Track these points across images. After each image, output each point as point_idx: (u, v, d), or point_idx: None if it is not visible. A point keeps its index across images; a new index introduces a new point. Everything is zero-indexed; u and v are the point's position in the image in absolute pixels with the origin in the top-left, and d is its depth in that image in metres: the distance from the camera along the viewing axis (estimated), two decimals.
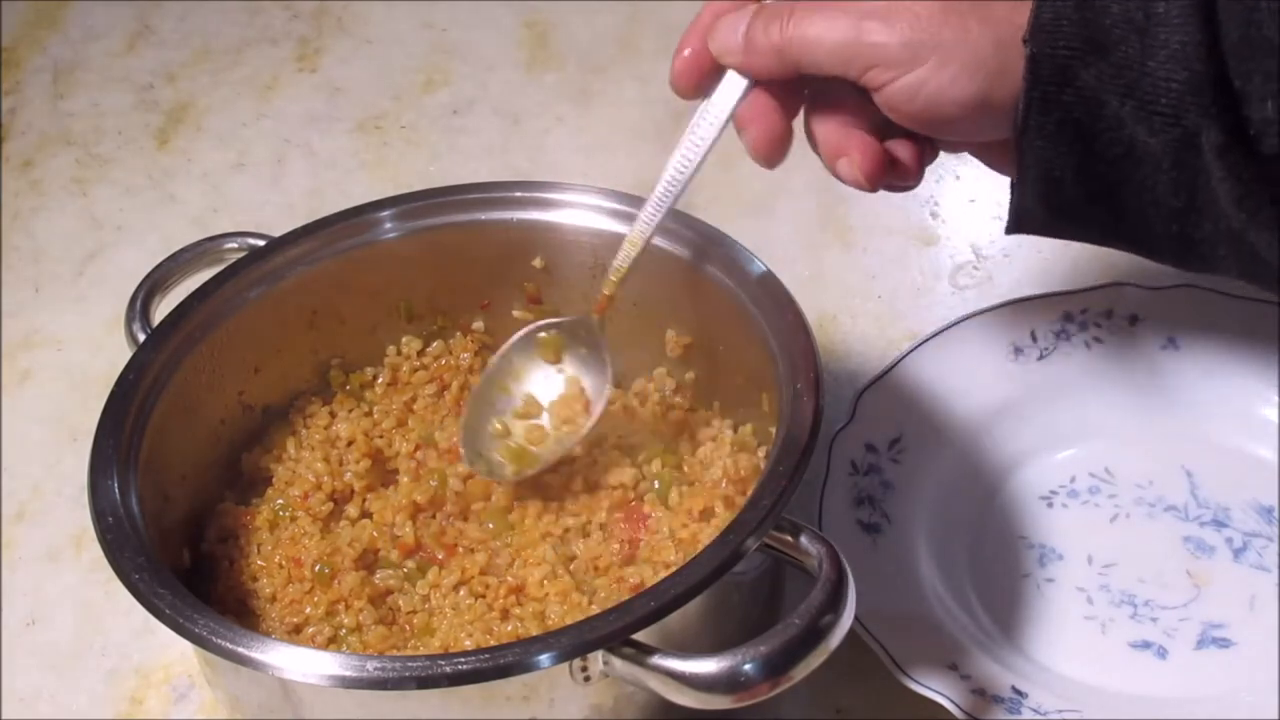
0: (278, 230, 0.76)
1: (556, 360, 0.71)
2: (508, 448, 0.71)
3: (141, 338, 0.72)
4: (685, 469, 0.72)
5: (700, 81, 0.64)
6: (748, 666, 0.54)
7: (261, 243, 0.75)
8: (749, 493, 0.63)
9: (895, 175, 0.64)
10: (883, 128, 0.63)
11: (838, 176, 0.64)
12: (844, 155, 0.63)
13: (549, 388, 0.71)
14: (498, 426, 0.72)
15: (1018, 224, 0.63)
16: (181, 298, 0.73)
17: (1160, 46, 0.55)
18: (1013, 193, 0.62)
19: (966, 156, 0.64)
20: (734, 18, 0.62)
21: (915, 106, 0.60)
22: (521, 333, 0.73)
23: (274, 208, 1.01)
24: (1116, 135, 0.58)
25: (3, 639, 0.76)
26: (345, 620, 0.67)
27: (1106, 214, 0.61)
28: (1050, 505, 0.76)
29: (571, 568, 0.68)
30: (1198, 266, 0.61)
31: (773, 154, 0.64)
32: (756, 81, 0.63)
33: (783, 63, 0.61)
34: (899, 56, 0.58)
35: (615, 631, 0.56)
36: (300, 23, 1.17)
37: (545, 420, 0.71)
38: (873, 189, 0.63)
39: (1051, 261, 0.88)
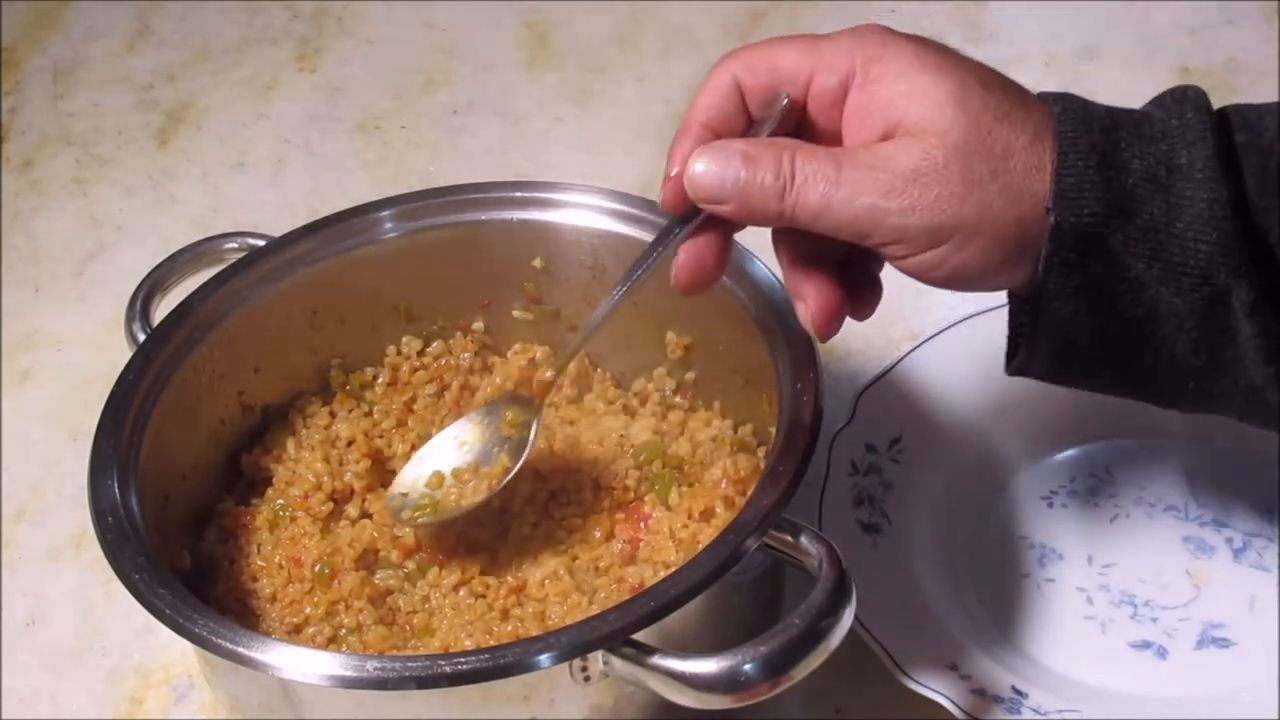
0: (278, 230, 0.76)
1: (509, 432, 0.69)
2: (430, 496, 0.69)
3: (141, 338, 0.72)
4: (685, 469, 0.72)
5: (690, 204, 0.60)
6: (748, 666, 0.54)
7: (261, 243, 0.75)
8: (749, 493, 0.63)
9: (854, 312, 0.62)
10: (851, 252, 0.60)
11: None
12: (799, 299, 0.61)
13: (486, 456, 0.69)
14: (434, 474, 0.70)
15: (1020, 371, 0.61)
16: (181, 298, 0.73)
17: (1186, 205, 0.54)
18: (1019, 341, 0.60)
19: None
20: (719, 161, 0.58)
21: (931, 277, 0.58)
22: (491, 400, 0.72)
23: (274, 208, 1.01)
24: (1139, 297, 0.56)
25: (3, 639, 0.76)
26: (345, 620, 0.67)
27: (1118, 371, 0.59)
28: (1050, 505, 0.76)
29: (572, 568, 0.68)
30: (1199, 411, 0.60)
31: (698, 288, 0.62)
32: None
33: (780, 221, 0.58)
34: (919, 238, 0.56)
35: (615, 631, 0.56)
36: (300, 23, 1.17)
37: (466, 485, 0.69)
38: (823, 340, 0.62)
39: None
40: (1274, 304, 0.55)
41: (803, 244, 0.60)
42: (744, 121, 0.60)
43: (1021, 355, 0.60)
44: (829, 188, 0.56)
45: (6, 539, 0.81)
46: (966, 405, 0.78)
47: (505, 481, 0.67)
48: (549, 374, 0.68)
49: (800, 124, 0.60)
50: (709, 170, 0.58)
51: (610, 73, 1.09)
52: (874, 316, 0.87)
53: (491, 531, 0.71)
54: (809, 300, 0.60)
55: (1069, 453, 0.78)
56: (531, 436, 0.67)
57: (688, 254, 0.61)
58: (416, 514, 0.68)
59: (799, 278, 0.61)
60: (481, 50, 1.13)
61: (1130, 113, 0.57)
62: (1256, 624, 0.70)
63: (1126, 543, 0.74)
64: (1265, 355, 0.55)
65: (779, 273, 0.69)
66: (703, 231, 0.60)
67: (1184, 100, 0.57)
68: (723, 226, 0.60)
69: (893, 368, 0.79)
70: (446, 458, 0.70)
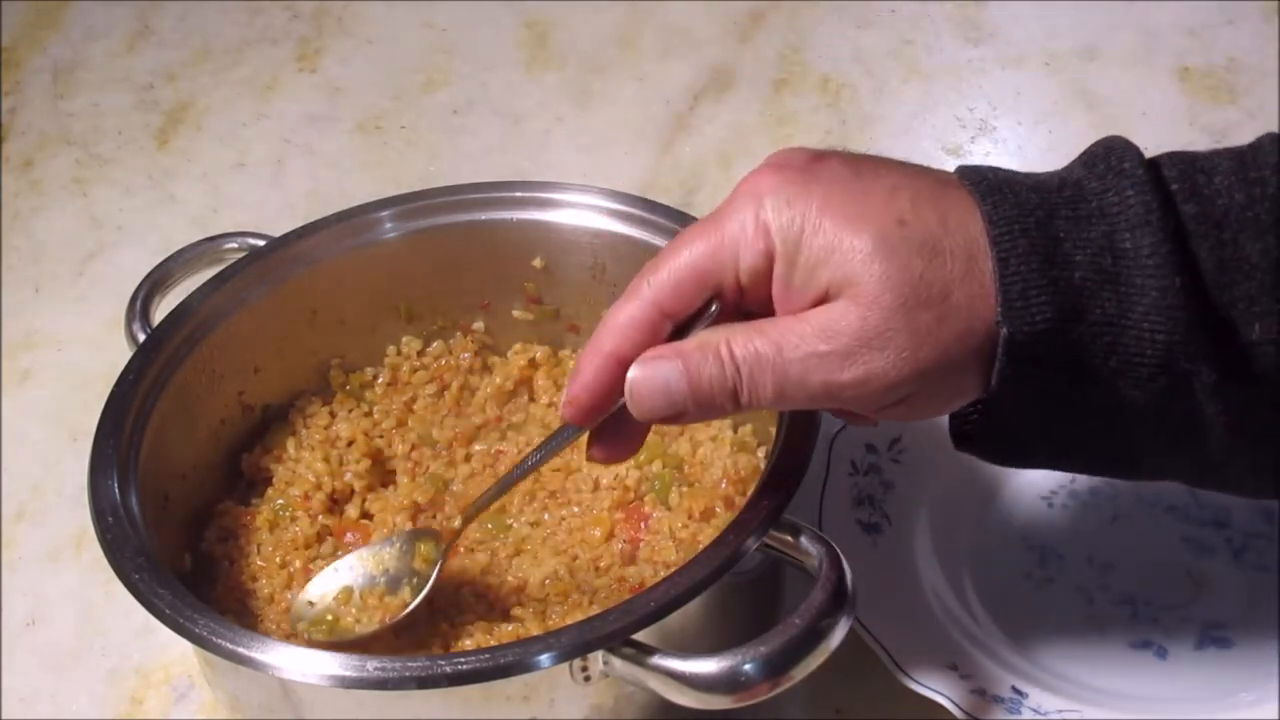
0: (278, 230, 0.76)
1: (420, 566, 0.67)
2: (331, 613, 0.66)
3: (141, 338, 0.72)
4: (685, 469, 0.72)
5: (594, 421, 0.59)
6: (748, 666, 0.54)
7: (261, 243, 0.75)
8: (749, 493, 0.63)
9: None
10: None
11: None
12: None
13: (394, 584, 0.67)
14: (345, 589, 0.67)
15: (967, 450, 0.60)
16: (181, 298, 0.73)
17: (1138, 296, 0.52)
18: (963, 429, 0.58)
19: None
20: (658, 372, 0.55)
21: (901, 419, 0.58)
22: (411, 531, 0.70)
23: (274, 208, 1.01)
24: (1094, 392, 0.54)
25: (3, 639, 0.76)
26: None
27: (1073, 459, 0.59)
28: (1050, 505, 0.76)
29: (572, 568, 0.68)
30: (1154, 480, 0.60)
31: (613, 463, 0.62)
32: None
33: (740, 412, 0.56)
34: (880, 400, 0.54)
35: (615, 631, 0.56)
36: (300, 23, 1.17)
37: (368, 609, 0.66)
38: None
39: None
40: (1236, 379, 0.53)
41: None
42: (661, 342, 0.57)
43: (973, 441, 0.58)
44: (776, 375, 0.54)
45: (6, 539, 0.81)
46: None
47: (400, 617, 0.65)
48: (457, 523, 0.67)
49: (738, 308, 0.57)
50: (651, 385, 0.56)
51: (610, 73, 1.09)
52: None
53: (492, 532, 0.71)
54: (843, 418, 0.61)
55: None
56: (431, 580, 0.65)
57: (607, 445, 0.60)
58: (312, 628, 0.65)
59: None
60: (481, 50, 1.13)
61: (1061, 188, 0.54)
62: (1256, 624, 0.70)
63: (1126, 543, 0.74)
64: (1229, 429, 0.54)
65: None
66: (616, 420, 0.59)
67: (1120, 172, 0.54)
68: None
69: None
70: (362, 576, 0.67)
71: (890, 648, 0.66)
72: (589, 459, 0.61)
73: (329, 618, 0.66)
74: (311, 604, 0.67)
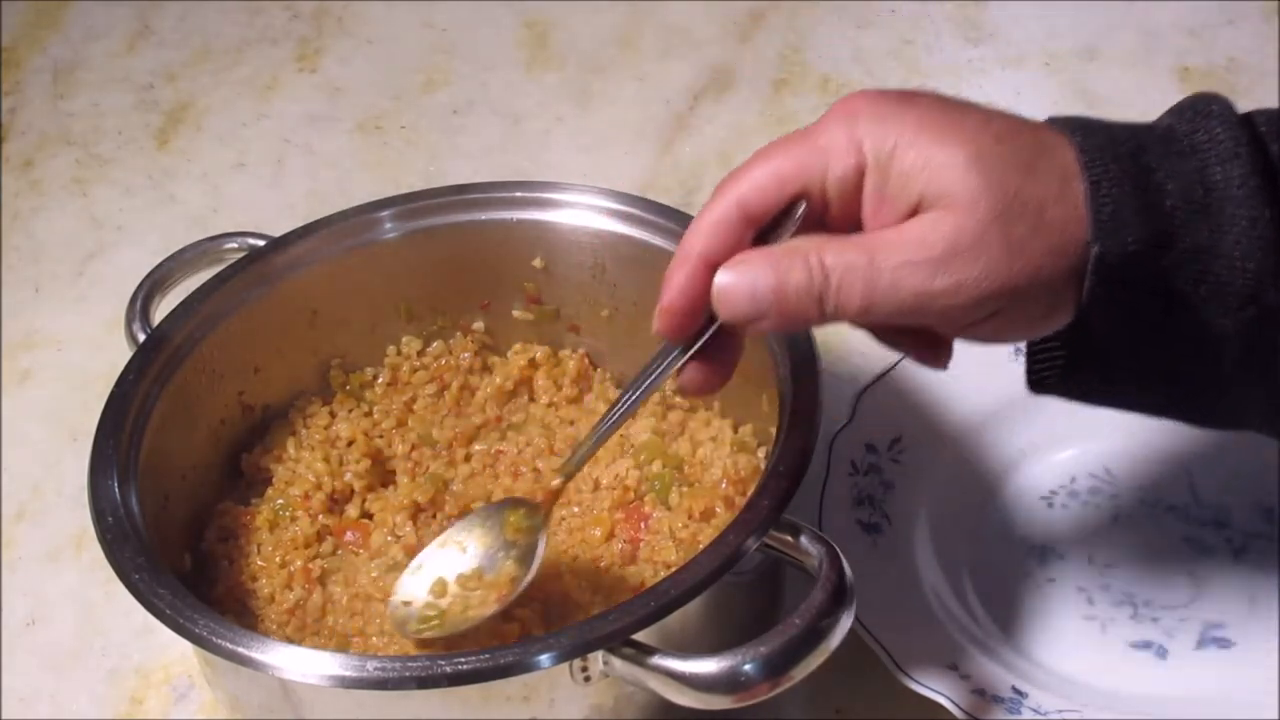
0: (278, 230, 0.76)
1: (513, 537, 0.65)
2: (435, 606, 0.64)
3: (141, 338, 0.72)
4: (685, 469, 0.72)
5: (687, 332, 0.58)
6: (748, 666, 0.54)
7: (261, 243, 0.75)
8: (749, 493, 0.63)
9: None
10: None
11: None
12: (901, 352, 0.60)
13: (490, 562, 0.65)
14: (438, 580, 0.65)
15: (1047, 391, 0.59)
16: (181, 298, 0.73)
17: (1229, 225, 0.53)
18: (1047, 368, 0.58)
19: None
20: (747, 276, 0.55)
21: (992, 341, 0.56)
22: (490, 504, 0.69)
23: (274, 208, 1.01)
24: (1183, 319, 0.55)
25: (3, 639, 0.76)
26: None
27: (1155, 392, 0.58)
28: (1050, 505, 0.76)
29: (572, 568, 0.68)
30: (1228, 429, 0.60)
31: (707, 395, 0.61)
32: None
33: (824, 323, 0.55)
34: (971, 313, 0.54)
35: (615, 631, 0.56)
36: (300, 23, 1.17)
37: (472, 593, 0.65)
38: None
39: None
40: None
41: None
42: (747, 246, 0.56)
43: (1052, 378, 0.58)
44: (867, 283, 0.53)
45: (6, 539, 0.81)
46: (966, 405, 0.78)
47: (517, 593, 0.63)
48: (556, 482, 0.65)
49: (820, 223, 0.56)
50: (738, 285, 0.55)
51: (610, 73, 1.09)
52: None
53: None
54: (918, 350, 0.59)
55: (1069, 453, 0.78)
56: (540, 546, 0.64)
57: (697, 371, 0.60)
58: (422, 627, 0.64)
59: (890, 342, 0.60)
60: (481, 50, 1.13)
61: (1151, 129, 0.55)
62: (1256, 624, 0.70)
63: (1126, 542, 0.74)
64: None
65: None
66: (710, 347, 0.59)
67: (1208, 114, 0.55)
68: (735, 336, 0.59)
69: (893, 368, 0.79)
70: (449, 563, 0.65)
71: (890, 648, 0.66)
72: (680, 391, 0.60)
73: (431, 614, 0.64)
74: (407, 604, 0.65)
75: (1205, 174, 0.53)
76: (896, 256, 0.53)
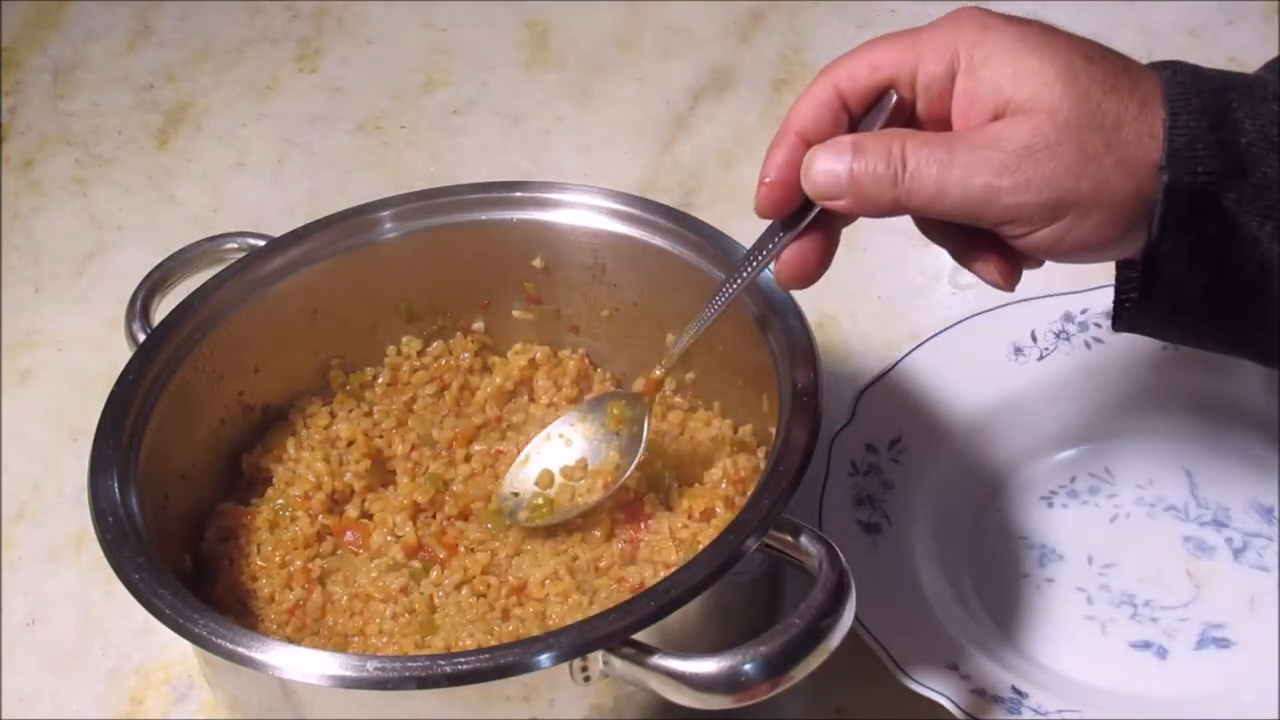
0: (278, 230, 0.76)
1: (615, 428, 0.70)
2: (544, 496, 0.70)
3: (141, 338, 0.72)
4: (685, 469, 0.72)
5: (785, 209, 0.61)
6: (748, 666, 0.54)
7: (261, 243, 0.75)
8: (749, 493, 0.63)
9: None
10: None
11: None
12: (979, 267, 0.61)
13: (594, 453, 0.70)
14: (544, 472, 0.70)
15: (1129, 328, 0.61)
16: (181, 298, 0.73)
17: None
18: (1126, 299, 0.60)
19: None
20: (832, 156, 0.58)
21: (1051, 253, 0.58)
22: (593, 396, 0.73)
23: (274, 208, 1.01)
24: (1251, 253, 0.56)
25: (3, 639, 0.76)
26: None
27: (1226, 327, 0.60)
28: (1050, 505, 0.76)
29: (572, 568, 0.68)
30: None
31: (802, 285, 0.63)
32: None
33: (896, 209, 0.58)
34: (1037, 215, 0.56)
35: (615, 631, 0.56)
36: (300, 23, 1.17)
37: (578, 483, 0.69)
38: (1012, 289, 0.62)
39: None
40: None
41: (954, 230, 0.60)
42: (843, 129, 0.60)
43: (1130, 313, 0.60)
44: (942, 171, 0.56)
45: (6, 539, 0.81)
46: (966, 405, 0.78)
47: (622, 480, 0.68)
48: (658, 372, 0.68)
49: (910, 118, 0.60)
50: (822, 166, 0.58)
51: (610, 73, 1.09)
52: (874, 316, 0.88)
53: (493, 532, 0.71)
54: (990, 265, 0.60)
55: (1069, 453, 0.78)
56: (645, 433, 0.68)
57: (794, 253, 0.62)
58: (533, 515, 0.68)
59: (969, 256, 0.61)
60: (481, 50, 1.13)
61: (1242, 76, 0.57)
62: (1256, 624, 0.70)
63: (1126, 543, 0.74)
64: None
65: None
66: (808, 231, 0.61)
67: None
68: (829, 224, 0.61)
69: (893, 368, 0.79)
70: (554, 456, 0.70)
71: (890, 648, 0.66)
72: (777, 278, 0.63)
73: (540, 503, 0.68)
74: (516, 494, 0.69)
75: None
76: (974, 152, 0.56)
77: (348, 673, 0.56)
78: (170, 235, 0.95)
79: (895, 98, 0.59)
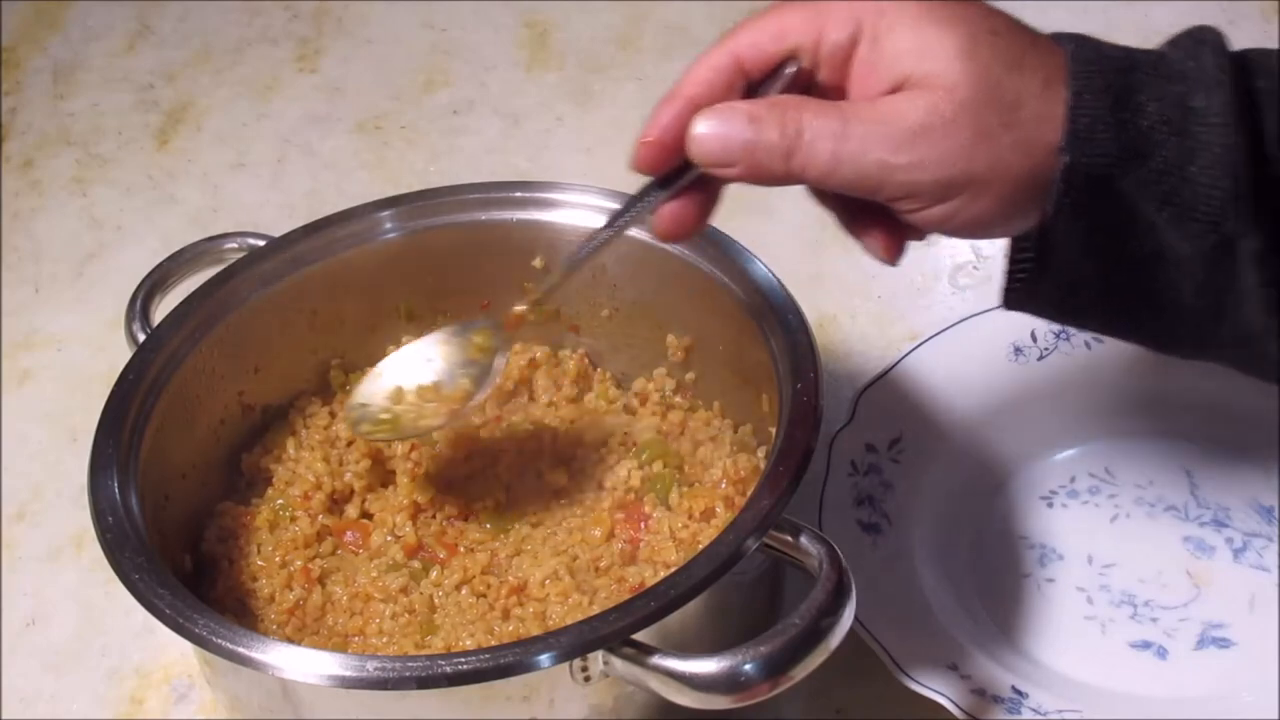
0: (278, 230, 0.76)
1: (475, 356, 0.68)
2: (391, 411, 0.68)
3: (141, 338, 0.72)
4: (685, 469, 0.72)
5: (662, 168, 0.59)
6: (748, 666, 0.54)
7: (261, 243, 0.75)
8: (749, 493, 0.63)
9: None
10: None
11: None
12: (865, 238, 0.60)
13: (450, 378, 0.68)
14: (396, 388, 0.69)
15: (1018, 306, 0.60)
16: (181, 298, 0.73)
17: (1201, 150, 0.53)
18: (1018, 277, 0.59)
19: None
20: (722, 124, 0.56)
21: (943, 229, 0.57)
22: (460, 323, 0.70)
23: (274, 208, 1.01)
24: (1146, 239, 0.55)
25: (3, 639, 0.76)
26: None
27: (1119, 311, 0.59)
28: (1050, 505, 0.76)
29: (572, 568, 0.68)
30: (1194, 358, 0.60)
31: (678, 240, 0.62)
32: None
33: (789, 180, 0.56)
34: (930, 193, 0.55)
35: (615, 631, 0.56)
36: (300, 23, 1.17)
37: (426, 404, 0.68)
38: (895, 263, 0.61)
39: None
40: None
41: (844, 198, 0.59)
42: (737, 96, 0.58)
43: (1020, 292, 0.59)
44: (836, 144, 0.55)
45: (6, 539, 0.81)
46: (966, 405, 0.78)
47: (468, 408, 0.66)
48: (520, 308, 0.67)
49: (809, 85, 0.58)
50: (713, 133, 0.56)
51: (610, 73, 1.09)
52: (874, 316, 0.88)
53: (492, 532, 0.71)
54: (876, 238, 0.59)
55: (1069, 453, 0.78)
56: (496, 367, 0.66)
57: (673, 210, 0.60)
58: (375, 429, 0.67)
59: (856, 225, 0.60)
60: (481, 50, 1.13)
61: (1147, 53, 0.56)
62: (1256, 624, 0.70)
63: (1126, 543, 0.74)
64: (1266, 305, 0.55)
65: (779, 272, 0.69)
66: (690, 188, 0.59)
67: (1202, 42, 0.56)
68: (711, 182, 0.59)
69: (893, 368, 0.79)
70: (410, 373, 0.69)
71: (890, 648, 0.66)
72: (655, 231, 0.61)
73: (385, 416, 0.66)
74: (364, 405, 0.68)
75: (1187, 99, 0.54)
76: (869, 126, 0.55)
77: (348, 673, 0.56)
78: (170, 235, 0.95)
79: (796, 68, 0.57)
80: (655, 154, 0.58)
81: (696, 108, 0.57)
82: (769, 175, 0.56)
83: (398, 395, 0.68)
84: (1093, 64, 0.55)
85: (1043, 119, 0.54)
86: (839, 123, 0.55)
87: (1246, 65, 0.55)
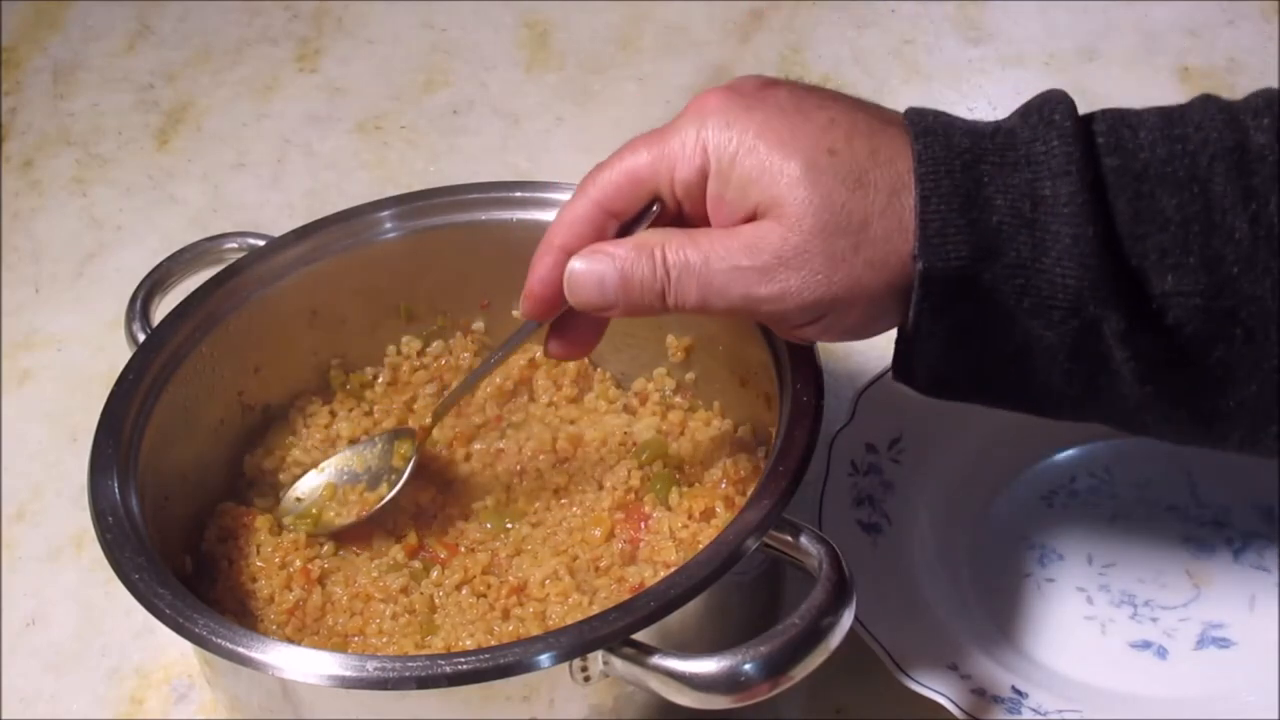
0: (278, 230, 0.76)
1: (397, 463, 0.72)
2: (316, 507, 0.71)
3: (141, 338, 0.72)
4: (685, 469, 0.72)
5: (550, 316, 0.64)
6: (748, 666, 0.54)
7: (261, 243, 0.75)
8: (749, 493, 0.63)
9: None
10: None
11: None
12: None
13: (374, 480, 0.72)
14: (329, 486, 0.72)
15: (900, 380, 0.61)
16: (181, 298, 0.73)
17: (1053, 241, 0.54)
18: (900, 370, 0.60)
19: None
20: (594, 269, 0.59)
21: (822, 339, 0.60)
22: (392, 430, 0.74)
23: (274, 208, 1.01)
24: (1010, 331, 0.56)
25: (3, 639, 0.76)
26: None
27: (995, 396, 0.60)
28: (1050, 505, 0.76)
29: (572, 568, 0.68)
30: (1081, 421, 0.61)
31: (569, 359, 0.68)
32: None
33: (668, 312, 0.59)
34: (796, 318, 0.58)
35: (615, 631, 0.56)
36: (300, 23, 1.17)
37: (345, 505, 0.71)
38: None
39: None
40: (1146, 328, 0.55)
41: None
42: (607, 238, 0.61)
43: (902, 371, 0.60)
44: (702, 282, 0.57)
45: (6, 539, 0.81)
46: (966, 405, 0.78)
47: (376, 509, 0.70)
48: (427, 420, 0.72)
49: (678, 216, 0.60)
50: (588, 277, 0.60)
51: (610, 73, 1.09)
52: None
53: (493, 532, 0.71)
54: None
55: (1069, 453, 0.78)
56: (405, 474, 0.71)
57: (564, 341, 0.65)
58: (298, 522, 0.70)
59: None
60: (481, 50, 1.13)
61: (994, 135, 0.56)
62: (1256, 624, 0.70)
63: (1126, 543, 0.74)
64: (1139, 377, 0.55)
65: None
66: (573, 319, 0.64)
67: (1050, 122, 0.55)
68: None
69: None
70: (346, 474, 0.72)
71: (890, 648, 0.66)
72: (546, 354, 0.66)
73: (313, 512, 0.70)
74: (299, 500, 0.71)
75: (1035, 187, 0.54)
76: (729, 260, 0.57)
77: (348, 673, 0.56)
78: (170, 235, 0.95)
79: (657, 208, 0.60)
80: (540, 308, 0.63)
81: (570, 256, 0.60)
82: (649, 310, 0.59)
83: (330, 492, 0.71)
84: (939, 163, 0.55)
85: (892, 233, 0.55)
86: (701, 257, 0.57)
87: (1094, 144, 0.55)
